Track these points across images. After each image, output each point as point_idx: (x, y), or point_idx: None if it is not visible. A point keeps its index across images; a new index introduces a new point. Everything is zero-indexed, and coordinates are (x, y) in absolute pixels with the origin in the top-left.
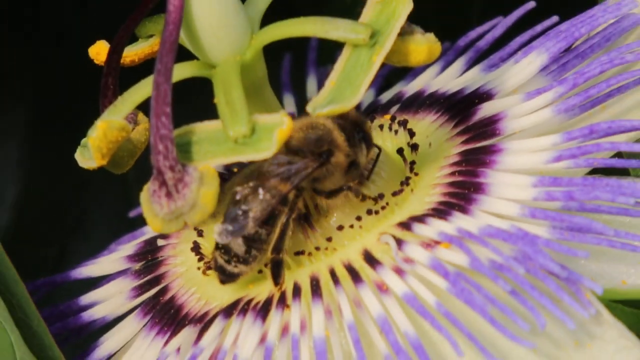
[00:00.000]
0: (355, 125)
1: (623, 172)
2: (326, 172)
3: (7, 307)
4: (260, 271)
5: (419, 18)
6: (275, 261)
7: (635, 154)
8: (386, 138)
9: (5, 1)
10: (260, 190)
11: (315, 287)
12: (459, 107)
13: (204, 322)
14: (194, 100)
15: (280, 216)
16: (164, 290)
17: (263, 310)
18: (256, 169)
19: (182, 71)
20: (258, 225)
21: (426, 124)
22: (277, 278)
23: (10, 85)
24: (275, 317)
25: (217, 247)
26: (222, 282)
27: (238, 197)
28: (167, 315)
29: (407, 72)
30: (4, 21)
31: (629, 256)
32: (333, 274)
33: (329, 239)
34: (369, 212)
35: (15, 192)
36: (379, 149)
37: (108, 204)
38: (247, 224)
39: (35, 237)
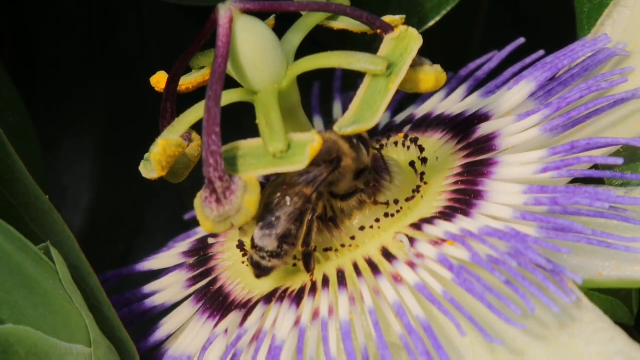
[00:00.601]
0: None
1: (599, 182)
2: (339, 176)
3: (82, 295)
4: (294, 265)
5: (428, 52)
6: (306, 253)
7: (610, 166)
8: (400, 153)
9: (78, 42)
10: (288, 198)
11: (341, 278)
12: (461, 127)
13: (247, 307)
14: (240, 121)
15: (306, 215)
16: (214, 281)
17: (297, 298)
18: (282, 181)
19: (229, 97)
20: (288, 223)
21: (434, 141)
22: (308, 267)
23: (86, 110)
24: (307, 303)
25: (253, 245)
26: (258, 276)
27: (271, 205)
28: (216, 302)
29: (418, 97)
30: (78, 56)
31: (604, 252)
32: (356, 267)
33: (353, 238)
34: (386, 215)
35: (89, 199)
36: (378, 150)
37: (166, 208)
38: (279, 226)
39: (105, 236)
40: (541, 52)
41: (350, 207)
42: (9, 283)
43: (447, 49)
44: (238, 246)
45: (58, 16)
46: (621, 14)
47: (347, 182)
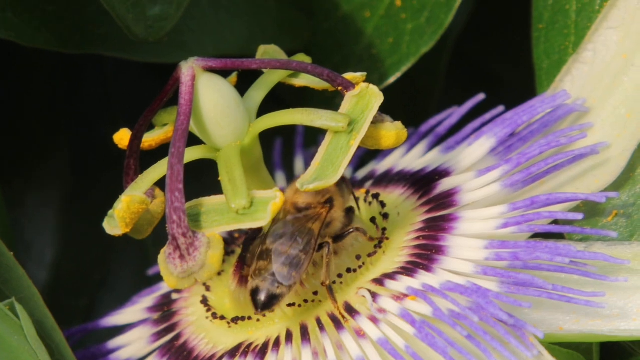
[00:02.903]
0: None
1: (559, 236)
2: (333, 215)
3: (47, 351)
4: (258, 319)
5: (389, 108)
6: (329, 287)
7: (569, 221)
8: (362, 208)
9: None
10: (299, 239)
11: (304, 333)
12: (422, 183)
13: None
14: (202, 179)
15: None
16: (178, 336)
17: (261, 353)
18: (281, 229)
19: (192, 154)
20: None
21: (395, 197)
22: (333, 298)
23: (50, 165)
24: (271, 358)
25: (258, 276)
26: (260, 308)
27: (281, 249)
28: (181, 357)
29: (379, 153)
30: (41, 110)
31: (565, 306)
32: (319, 321)
33: (315, 293)
34: (349, 270)
35: (53, 253)
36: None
37: (130, 263)
38: (300, 263)
39: (69, 291)
40: (501, 108)
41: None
42: None
43: (407, 105)
44: (202, 301)
45: (21, 70)
46: (579, 70)
47: (339, 223)
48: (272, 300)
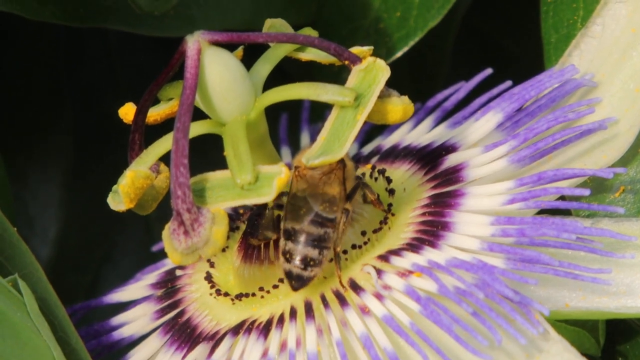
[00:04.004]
0: None
1: (566, 213)
2: (347, 174)
3: (50, 327)
4: (262, 297)
5: (396, 83)
6: (337, 254)
7: (576, 197)
8: (368, 184)
9: (45, 71)
10: (324, 214)
11: (309, 310)
12: (428, 158)
13: (215, 339)
14: (208, 153)
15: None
16: (182, 313)
17: (265, 330)
18: (302, 205)
19: (197, 129)
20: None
21: (401, 172)
22: (338, 268)
23: (54, 140)
24: (275, 335)
25: (290, 260)
26: (296, 288)
27: (308, 229)
28: (184, 334)
29: (385, 128)
30: (45, 85)
31: (571, 283)
32: (324, 298)
33: None
34: (354, 246)
35: (56, 229)
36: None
37: (134, 239)
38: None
39: (73, 267)
40: (508, 83)
41: None
42: None
43: (414, 79)
44: (206, 278)
45: (25, 45)
46: (588, 44)
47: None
48: (307, 281)
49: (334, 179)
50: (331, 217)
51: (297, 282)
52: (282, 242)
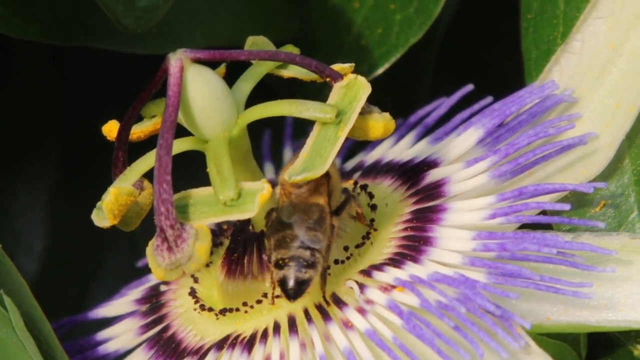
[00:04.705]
0: None
1: (547, 227)
2: (332, 185)
3: (35, 342)
4: (246, 311)
5: (377, 99)
6: (324, 270)
7: (557, 212)
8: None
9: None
10: (311, 214)
11: (292, 324)
12: (410, 174)
13: (199, 354)
14: (191, 170)
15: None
16: (167, 328)
17: (249, 344)
18: (289, 214)
19: (180, 145)
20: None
21: (383, 188)
22: (323, 284)
23: (39, 156)
24: (259, 350)
25: (282, 267)
26: (293, 297)
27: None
28: (169, 349)
29: (368, 144)
30: (31, 101)
31: (552, 297)
32: (307, 313)
33: None
34: (336, 261)
35: (42, 245)
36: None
37: (119, 255)
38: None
39: (58, 282)
40: (489, 99)
41: None
42: None
43: (396, 95)
44: (190, 293)
45: (11, 61)
46: (568, 60)
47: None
48: (302, 286)
49: (322, 191)
50: (318, 246)
51: (292, 290)
52: (273, 252)
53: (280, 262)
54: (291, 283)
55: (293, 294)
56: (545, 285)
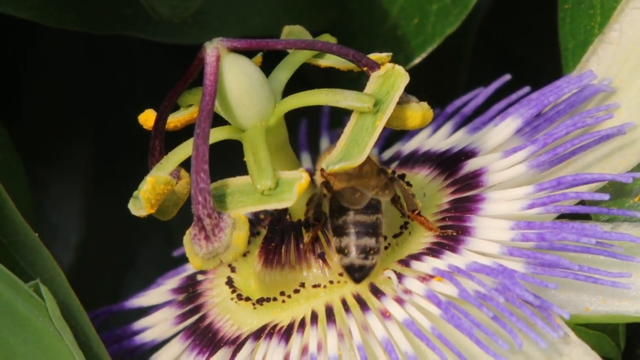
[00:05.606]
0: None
1: (586, 217)
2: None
3: (72, 332)
4: (283, 301)
5: (414, 89)
6: None
7: (596, 202)
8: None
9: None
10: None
11: (330, 314)
12: (448, 163)
13: (236, 344)
14: (228, 159)
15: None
16: (203, 317)
17: (286, 334)
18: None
19: (217, 135)
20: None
21: (421, 178)
22: None
23: (75, 147)
24: (296, 339)
25: (348, 254)
26: (358, 280)
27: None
28: (206, 339)
29: (405, 134)
30: (66, 92)
31: (591, 287)
32: (344, 303)
33: (341, 274)
34: None
35: (78, 236)
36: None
37: (156, 245)
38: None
39: (94, 273)
40: (527, 89)
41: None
42: None
43: (433, 85)
44: (227, 282)
45: (45, 52)
46: (605, 50)
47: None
48: (368, 271)
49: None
50: (380, 230)
51: (359, 273)
52: (334, 240)
53: (346, 250)
54: (358, 270)
55: (359, 278)
56: (584, 276)
